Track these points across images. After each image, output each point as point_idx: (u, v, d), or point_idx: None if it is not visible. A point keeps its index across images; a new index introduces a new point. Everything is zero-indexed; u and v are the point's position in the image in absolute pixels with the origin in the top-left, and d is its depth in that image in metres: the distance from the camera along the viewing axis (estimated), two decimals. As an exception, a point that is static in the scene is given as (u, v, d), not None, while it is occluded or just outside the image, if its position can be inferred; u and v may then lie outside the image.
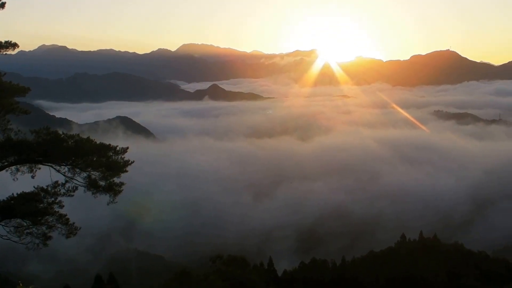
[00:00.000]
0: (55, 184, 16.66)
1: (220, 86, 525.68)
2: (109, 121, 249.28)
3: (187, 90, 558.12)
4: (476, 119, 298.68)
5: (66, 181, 16.66)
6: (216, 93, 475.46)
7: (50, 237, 16.68)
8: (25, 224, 16.48)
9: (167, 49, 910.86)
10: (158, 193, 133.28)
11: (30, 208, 16.27)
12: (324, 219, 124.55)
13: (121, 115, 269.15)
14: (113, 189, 16.94)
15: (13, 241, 16.28)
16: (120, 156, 17.03)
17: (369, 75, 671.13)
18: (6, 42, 16.49)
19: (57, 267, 78.75)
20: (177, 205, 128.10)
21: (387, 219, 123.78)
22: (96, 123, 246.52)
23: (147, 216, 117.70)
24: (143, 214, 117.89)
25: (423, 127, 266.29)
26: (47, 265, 77.30)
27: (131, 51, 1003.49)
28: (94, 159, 16.74)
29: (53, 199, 16.61)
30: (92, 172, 16.77)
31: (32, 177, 16.56)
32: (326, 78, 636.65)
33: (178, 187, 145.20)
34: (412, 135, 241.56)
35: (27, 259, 72.77)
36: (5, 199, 16.54)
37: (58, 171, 16.66)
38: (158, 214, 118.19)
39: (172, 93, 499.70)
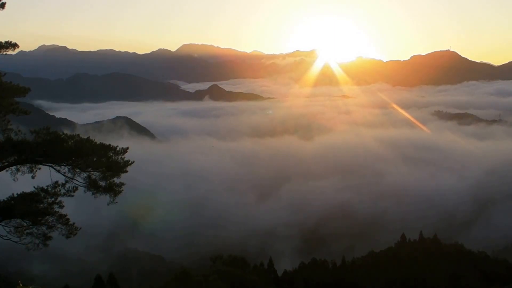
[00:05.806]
0: (55, 184, 16.65)
1: (220, 86, 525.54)
2: (110, 121, 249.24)
3: (187, 90, 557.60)
4: (477, 119, 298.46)
5: (66, 181, 16.64)
6: (216, 93, 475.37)
7: (50, 237, 16.68)
8: (25, 224, 16.47)
9: (167, 49, 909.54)
10: (160, 193, 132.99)
11: (30, 208, 16.25)
12: (327, 219, 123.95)
13: (121, 115, 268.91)
14: (113, 190, 16.92)
15: (13, 241, 16.25)
16: (120, 156, 17.01)
17: (369, 75, 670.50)
18: (6, 42, 16.49)
19: (61, 267, 78.58)
20: (180, 205, 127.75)
21: (390, 219, 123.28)
22: (96, 123, 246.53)
23: (149, 217, 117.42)
24: (146, 215, 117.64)
25: (424, 128, 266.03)
26: (51, 265, 77.18)
27: (131, 51, 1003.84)
28: (94, 159, 16.71)
29: (53, 199, 16.60)
30: (92, 172, 16.75)
31: (32, 177, 16.54)
32: (326, 78, 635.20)
33: (181, 187, 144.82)
34: (413, 136, 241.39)
35: (30, 259, 72.72)
36: (5, 199, 16.52)
37: (58, 171, 16.65)
38: (161, 215, 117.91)
39: (172, 93, 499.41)
